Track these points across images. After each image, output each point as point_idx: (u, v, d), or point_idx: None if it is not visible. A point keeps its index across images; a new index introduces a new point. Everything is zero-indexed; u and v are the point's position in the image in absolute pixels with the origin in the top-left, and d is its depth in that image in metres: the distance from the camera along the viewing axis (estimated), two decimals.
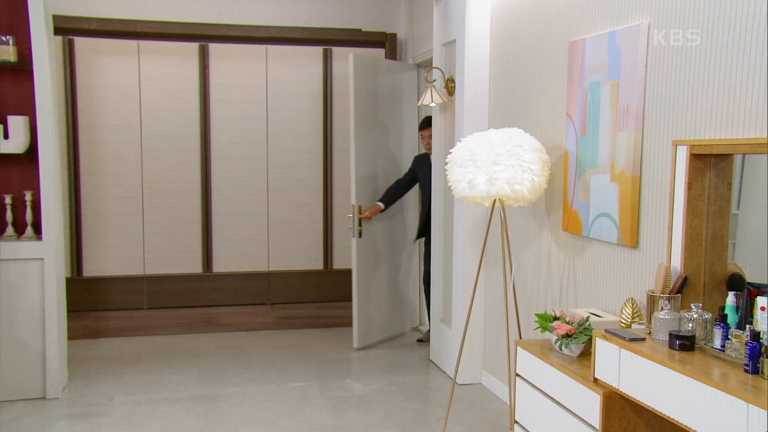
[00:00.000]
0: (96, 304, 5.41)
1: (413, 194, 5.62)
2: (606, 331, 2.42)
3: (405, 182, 5.28)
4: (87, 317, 5.37)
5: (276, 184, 5.66)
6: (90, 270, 5.40)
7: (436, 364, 4.83)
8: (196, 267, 5.58)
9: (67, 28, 5.05)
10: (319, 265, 5.80)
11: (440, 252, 4.84)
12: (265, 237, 5.70)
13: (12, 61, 3.98)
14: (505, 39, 4.08)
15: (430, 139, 4.96)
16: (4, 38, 3.95)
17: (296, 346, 5.27)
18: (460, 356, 3.67)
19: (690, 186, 2.42)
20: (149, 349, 5.15)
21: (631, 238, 2.88)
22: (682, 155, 2.45)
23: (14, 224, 4.15)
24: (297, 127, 5.68)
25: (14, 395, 4.05)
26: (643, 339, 2.32)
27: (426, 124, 5.09)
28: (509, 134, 3.34)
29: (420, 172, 5.21)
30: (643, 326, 2.58)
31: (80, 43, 5.22)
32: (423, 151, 5.37)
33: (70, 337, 4.53)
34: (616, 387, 2.33)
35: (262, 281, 5.69)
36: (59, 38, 5.07)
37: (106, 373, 4.59)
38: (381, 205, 5.13)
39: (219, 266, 5.63)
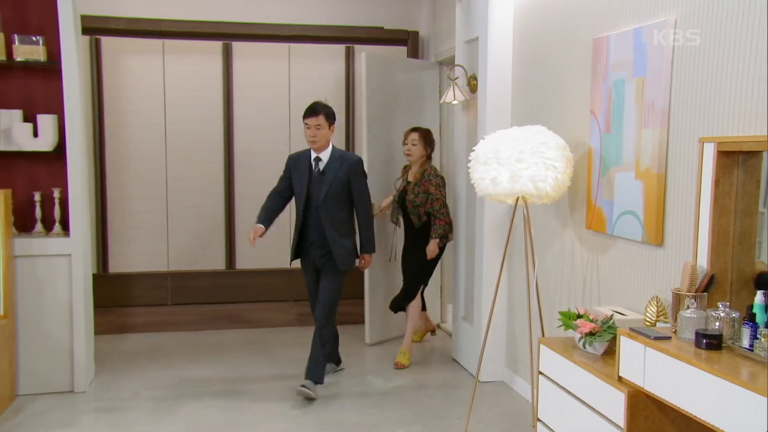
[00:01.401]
0: (121, 300, 5.49)
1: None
2: (631, 329, 2.41)
3: (280, 191, 4.27)
4: (112, 313, 5.44)
5: None
6: (115, 266, 5.48)
7: (457, 362, 4.83)
8: (219, 264, 5.63)
9: (94, 28, 5.12)
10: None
11: (463, 249, 4.84)
12: (288, 234, 5.73)
13: (42, 60, 4.05)
14: (528, 36, 4.07)
15: (318, 130, 4.04)
16: (34, 38, 4.02)
17: None
18: (482, 354, 3.67)
19: (717, 183, 2.40)
20: (173, 344, 5.22)
21: (656, 235, 2.86)
22: (709, 152, 2.43)
23: (43, 221, 4.22)
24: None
25: (43, 389, 4.13)
26: (669, 338, 2.30)
27: (311, 111, 4.06)
28: (533, 131, 3.33)
29: (295, 175, 4.19)
30: (668, 325, 2.56)
31: (107, 42, 5.30)
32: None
33: (96, 333, 4.60)
34: (641, 386, 2.32)
35: (285, 278, 5.73)
36: (86, 38, 5.14)
37: (132, 368, 4.65)
38: (261, 226, 4.14)
39: (242, 263, 5.68)
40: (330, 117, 4.11)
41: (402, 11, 5.82)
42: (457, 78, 4.64)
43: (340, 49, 5.68)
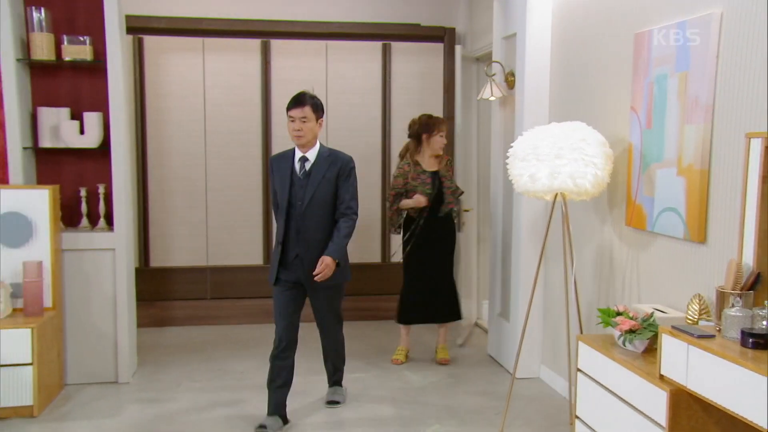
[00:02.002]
0: (162, 293, 5.60)
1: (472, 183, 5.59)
2: (673, 327, 2.39)
3: (275, 203, 3.72)
4: (154, 306, 5.56)
5: None
6: (157, 261, 5.60)
7: (493, 358, 4.83)
8: (257, 259, 5.71)
9: (137, 27, 5.23)
10: (377, 258, 5.87)
11: (499, 246, 4.83)
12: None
13: (88, 60, 4.15)
14: (567, 31, 4.04)
15: (304, 123, 3.52)
16: (81, 38, 4.12)
17: (355, 338, 5.33)
18: (519, 350, 3.67)
19: (765, 180, 2.36)
20: (213, 338, 5.31)
21: (699, 233, 2.83)
22: (756, 148, 2.39)
23: (88, 216, 4.34)
24: (356, 122, 5.74)
25: (89, 379, 4.24)
26: (713, 336, 2.28)
27: (296, 101, 3.55)
28: (572, 128, 3.32)
29: (276, 178, 3.65)
30: (711, 323, 2.53)
31: (149, 41, 5.41)
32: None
33: (138, 326, 4.70)
34: (684, 384, 2.30)
35: None
36: (130, 37, 5.25)
37: (173, 360, 4.75)
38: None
39: None
40: (318, 109, 3.60)
41: (439, 8, 5.82)
42: (494, 74, 4.63)
43: (376, 46, 5.70)
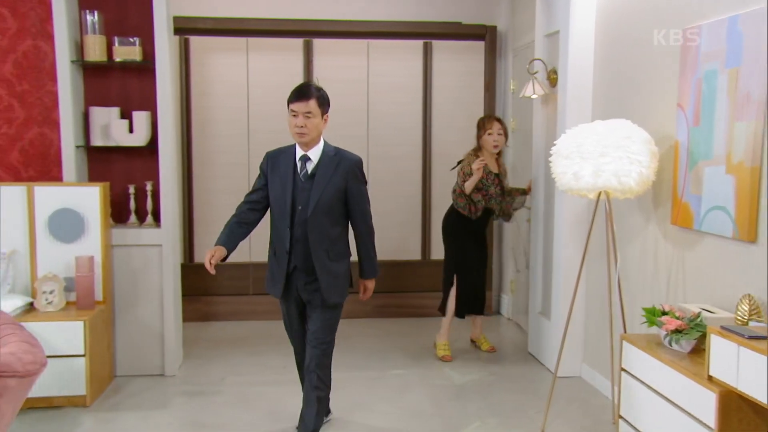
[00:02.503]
0: (206, 289, 5.71)
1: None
2: (722, 327, 2.36)
3: (252, 203, 3.35)
4: (198, 301, 5.68)
5: (376, 175, 5.77)
6: (201, 257, 5.71)
7: (534, 356, 4.82)
8: None
9: (183, 28, 5.34)
10: (417, 256, 5.89)
11: (540, 244, 4.81)
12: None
13: (138, 60, 4.26)
14: (612, 28, 4.00)
15: (308, 118, 3.14)
16: (131, 39, 4.24)
17: (395, 335, 5.37)
18: (561, 349, 3.65)
19: None
20: (255, 333, 5.40)
21: (749, 232, 2.78)
22: None
23: (136, 212, 4.45)
24: (397, 120, 5.77)
25: (137, 371, 4.36)
26: (765, 337, 2.24)
27: (300, 94, 3.18)
28: (617, 125, 3.29)
29: (274, 180, 3.26)
30: (762, 324, 2.49)
31: (195, 41, 5.52)
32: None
33: (183, 320, 4.81)
34: (734, 386, 2.27)
35: None
36: (177, 38, 5.37)
37: (217, 354, 4.85)
38: (221, 248, 3.33)
39: None
40: (323, 103, 3.20)
41: (480, 6, 5.81)
42: (536, 72, 4.61)
43: (418, 44, 5.72)
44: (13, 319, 2.15)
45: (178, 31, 5.10)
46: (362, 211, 3.29)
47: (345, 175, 3.21)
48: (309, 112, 3.13)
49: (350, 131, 5.73)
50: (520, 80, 5.45)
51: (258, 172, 3.43)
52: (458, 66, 5.78)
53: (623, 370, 3.02)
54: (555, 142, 3.53)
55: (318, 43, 5.64)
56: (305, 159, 3.21)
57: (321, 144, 3.24)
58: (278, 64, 5.62)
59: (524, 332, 5.35)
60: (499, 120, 4.72)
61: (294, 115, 3.14)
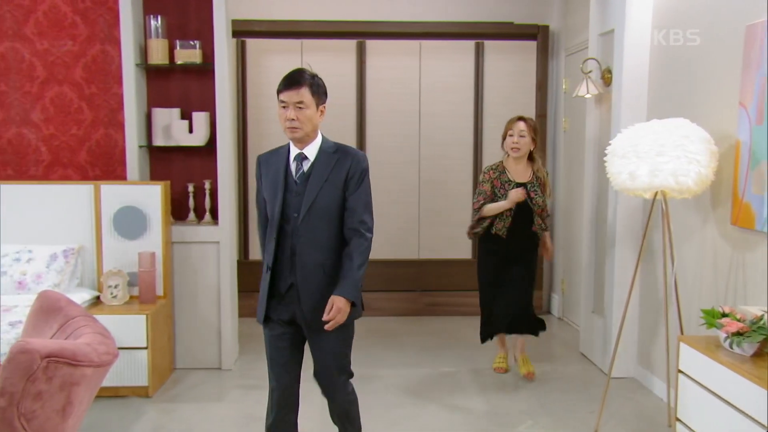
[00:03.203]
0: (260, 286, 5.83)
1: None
2: None
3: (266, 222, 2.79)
4: (252, 298, 5.74)
5: (427, 174, 5.82)
6: (255, 254, 5.85)
7: (585, 356, 4.79)
8: None
9: (240, 31, 5.49)
10: (468, 254, 5.91)
11: (592, 243, 4.78)
12: (416, 226, 5.89)
13: (198, 63, 4.40)
14: (669, 26, 3.95)
15: (300, 110, 2.63)
16: (192, 43, 4.38)
17: (445, 333, 5.41)
18: (616, 349, 3.63)
19: None
20: None
21: None
22: None
23: (195, 210, 4.59)
24: (448, 120, 5.81)
25: (195, 364, 4.50)
26: None
27: (291, 81, 2.67)
28: (675, 124, 3.26)
29: (266, 184, 2.77)
30: None
31: (251, 44, 5.67)
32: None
33: (239, 315, 4.93)
34: None
35: (413, 269, 5.89)
36: (234, 40, 5.52)
37: None
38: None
39: (372, 253, 5.85)
40: (319, 91, 2.69)
41: (532, 6, 5.80)
42: (590, 71, 4.59)
43: (469, 45, 5.74)
44: (87, 312, 2.27)
45: (235, 33, 5.24)
46: (359, 217, 2.69)
47: (346, 174, 2.70)
48: (301, 102, 2.63)
49: (402, 130, 5.80)
50: (573, 80, 5.42)
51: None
52: (510, 66, 5.78)
53: (680, 372, 2.99)
54: (610, 142, 3.51)
55: (371, 44, 5.72)
56: (301, 158, 2.71)
57: (319, 139, 2.73)
58: (332, 65, 5.71)
59: (575, 331, 5.32)
60: (523, 119, 4.16)
61: (284, 107, 2.65)
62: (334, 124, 5.75)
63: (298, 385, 2.91)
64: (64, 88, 4.47)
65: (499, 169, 4.23)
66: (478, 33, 5.73)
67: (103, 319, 3.87)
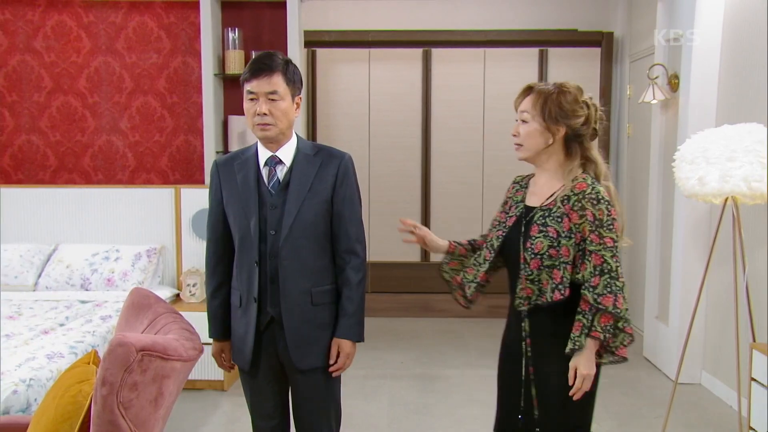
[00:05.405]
0: None
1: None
2: None
3: (221, 245, 2.28)
4: None
5: (491, 179, 5.90)
6: None
7: (649, 361, 4.77)
8: (415, 256, 6.00)
9: (310, 41, 5.69)
10: None
11: (657, 248, 4.76)
12: (480, 230, 5.96)
13: None
14: (741, 31, 3.93)
15: (272, 102, 2.12)
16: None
17: (490, 336, 5.42)
18: (683, 355, 3.63)
19: None
20: (373, 329, 5.63)
21: None
22: None
23: None
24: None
25: None
26: None
27: (260, 66, 2.14)
28: (747, 129, 3.25)
29: (231, 195, 2.21)
30: None
31: (321, 53, 5.87)
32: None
33: None
34: None
35: None
36: (305, 50, 5.73)
37: None
38: (227, 343, 2.47)
39: (436, 256, 5.90)
40: (294, 79, 2.18)
41: (596, 13, 5.82)
42: (657, 77, 4.59)
43: (533, 52, 5.80)
44: (173, 308, 2.41)
45: (306, 44, 5.44)
46: (351, 243, 2.23)
47: (333, 180, 2.19)
48: (274, 93, 2.11)
49: (466, 136, 5.90)
50: (637, 86, 5.41)
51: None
52: (574, 73, 5.80)
53: (753, 380, 2.98)
54: (678, 147, 3.52)
55: (436, 53, 5.84)
56: (274, 162, 2.19)
57: (293, 139, 2.22)
58: (398, 73, 5.86)
59: (639, 336, 5.29)
60: (531, 88, 2.26)
61: (252, 99, 2.14)
62: (400, 131, 5.91)
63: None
64: (149, 97, 4.75)
65: (524, 182, 2.44)
66: (542, 40, 5.78)
67: (183, 315, 4.08)
